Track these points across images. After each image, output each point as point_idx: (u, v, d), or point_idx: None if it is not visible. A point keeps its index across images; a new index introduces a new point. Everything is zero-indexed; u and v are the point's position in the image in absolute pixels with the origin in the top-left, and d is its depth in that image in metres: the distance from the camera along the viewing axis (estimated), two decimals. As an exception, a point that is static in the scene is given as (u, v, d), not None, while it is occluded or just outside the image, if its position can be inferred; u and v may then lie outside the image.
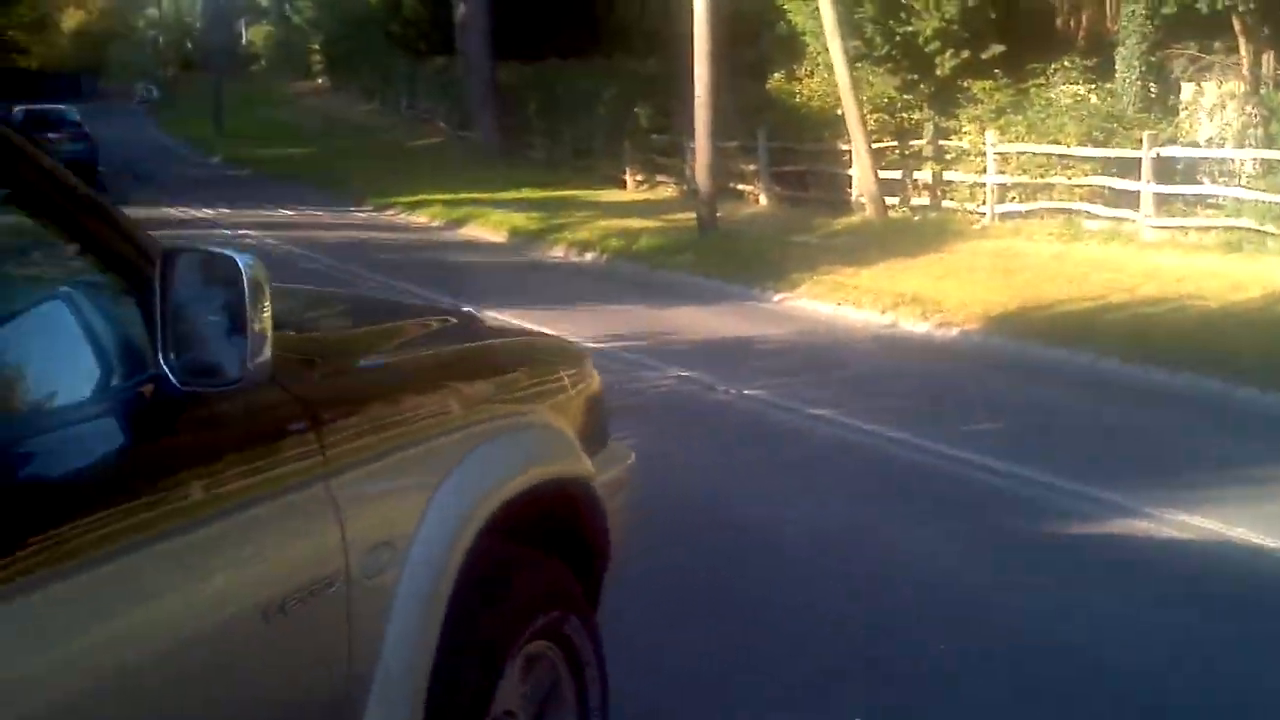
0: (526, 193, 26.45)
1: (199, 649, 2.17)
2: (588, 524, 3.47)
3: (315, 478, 2.45)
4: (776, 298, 15.33)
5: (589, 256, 19.27)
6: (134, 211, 15.40)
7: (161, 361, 2.19)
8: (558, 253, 19.99)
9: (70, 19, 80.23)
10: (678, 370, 10.93)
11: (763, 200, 23.81)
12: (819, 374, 10.99)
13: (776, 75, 24.87)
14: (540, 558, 3.28)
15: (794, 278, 15.70)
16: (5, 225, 2.34)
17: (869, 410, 9.37)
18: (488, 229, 22.49)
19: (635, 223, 21.28)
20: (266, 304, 2.23)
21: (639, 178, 28.31)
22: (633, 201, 25.61)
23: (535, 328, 4.49)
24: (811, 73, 24.34)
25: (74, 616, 1.93)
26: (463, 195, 25.93)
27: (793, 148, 23.46)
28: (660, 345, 12.16)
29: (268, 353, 2.25)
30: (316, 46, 60.85)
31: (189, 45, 76.27)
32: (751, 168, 24.37)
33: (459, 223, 23.47)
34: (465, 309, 4.88)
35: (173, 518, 2.12)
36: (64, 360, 2.21)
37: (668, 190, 27.11)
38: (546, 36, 34.77)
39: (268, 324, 2.24)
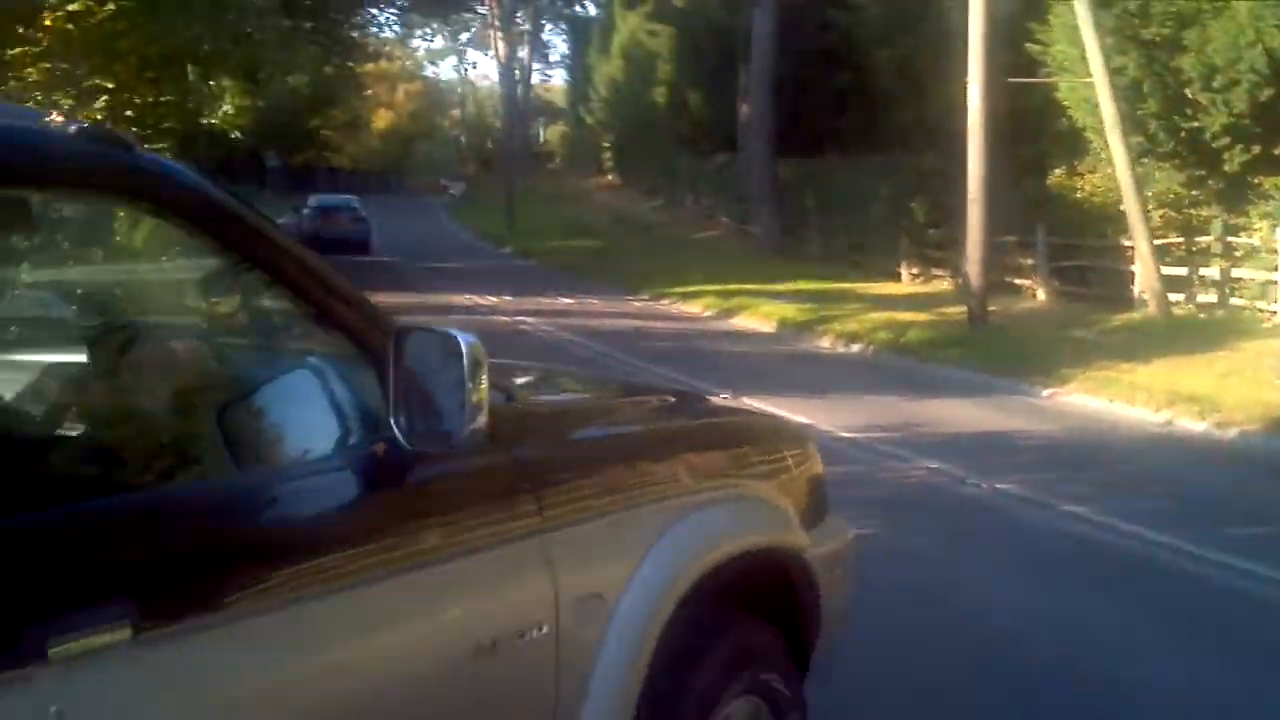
0: (800, 285, 26.54)
1: (417, 677, 2.49)
2: (800, 592, 3.66)
3: (531, 532, 2.74)
4: (1045, 393, 14.89)
5: (855, 348, 19.16)
6: (423, 298, 16.29)
7: (392, 424, 2.47)
8: (825, 343, 19.94)
9: (380, 120, 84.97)
10: (929, 462, 10.71)
11: (1040, 295, 23.26)
12: (1079, 470, 10.59)
13: (1057, 171, 24.38)
14: (748, 619, 3.49)
15: (1065, 373, 15.23)
16: (268, 306, 2.79)
17: (1128, 510, 8.93)
18: (757, 319, 22.64)
19: (905, 316, 21.07)
20: (484, 377, 2.51)
21: (914, 271, 28.07)
22: (906, 295, 25.39)
23: (768, 409, 4.50)
24: (1094, 168, 23.75)
25: (323, 635, 2.30)
26: (736, 286, 26.23)
27: (1073, 243, 22.86)
28: (915, 437, 11.95)
29: (483, 420, 2.52)
30: (607, 145, 62.64)
31: (489, 144, 79.67)
32: (1030, 262, 23.86)
33: (730, 313, 23.72)
34: (692, 391, 4.97)
35: (396, 561, 2.43)
36: (310, 420, 2.54)
37: (943, 284, 26.79)
38: (826, 133, 35.01)
39: (484, 395, 2.52)
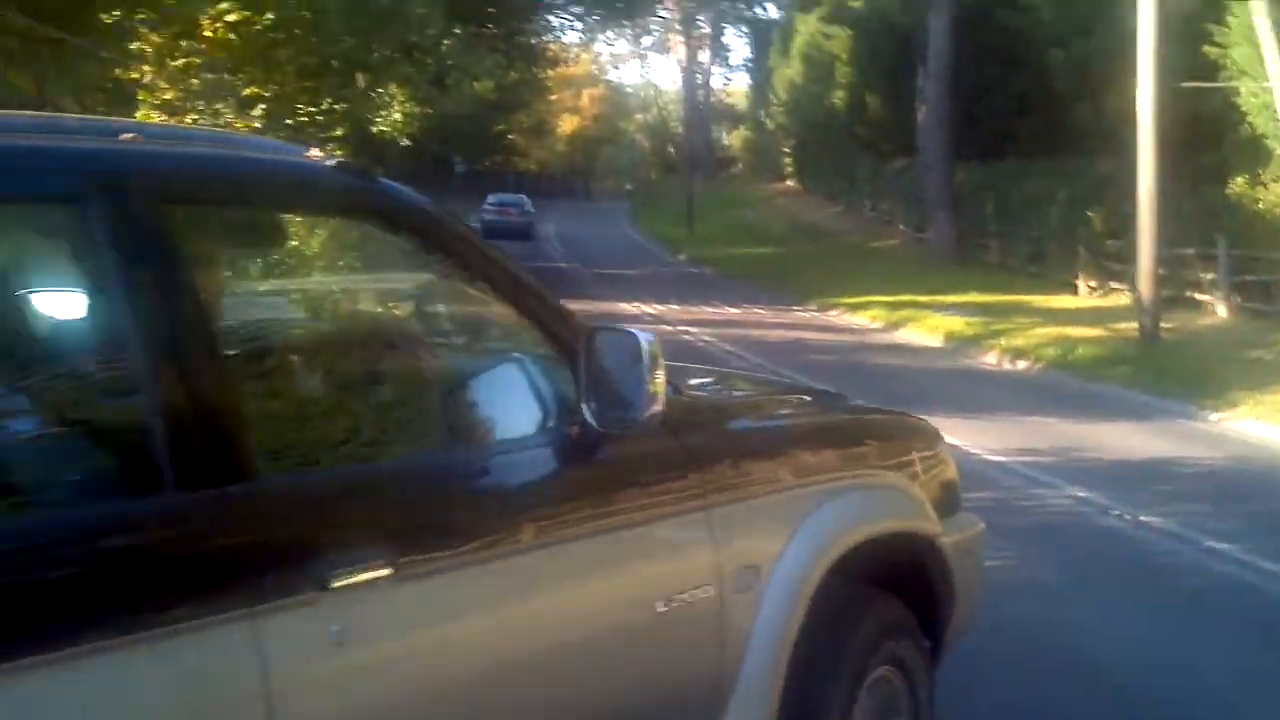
0: (972, 296, 25.93)
1: (606, 628, 3.02)
2: (933, 575, 4.10)
3: (697, 507, 3.22)
4: (1213, 417, 14.23)
5: (1021, 365, 18.59)
6: (592, 304, 16.33)
7: (584, 410, 2.98)
8: (990, 360, 19.41)
9: (566, 124, 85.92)
10: (1075, 490, 10.28)
11: (1221, 311, 22.24)
12: (1233, 504, 10.06)
13: (1239, 179, 23.23)
14: (885, 596, 3.94)
15: (1235, 396, 14.54)
16: (481, 314, 3.46)
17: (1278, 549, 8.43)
18: (923, 332, 22.17)
19: (1076, 331, 20.38)
20: (660, 372, 2.98)
21: (1091, 284, 27.15)
22: (1080, 309, 24.60)
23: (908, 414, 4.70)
24: (1278, 177, 22.62)
25: (528, 585, 2.82)
26: (906, 298, 25.75)
27: (1257, 256, 21.78)
28: (1065, 462, 11.50)
29: (659, 408, 2.98)
30: (787, 149, 62.23)
31: (670, 149, 79.93)
32: (1210, 276, 22.83)
33: (896, 325, 23.28)
34: (835, 392, 5.30)
35: (586, 524, 2.96)
36: (515, 407, 3.07)
37: (1121, 298, 25.82)
38: (1005, 137, 34.14)
39: (661, 387, 2.99)
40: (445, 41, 46.07)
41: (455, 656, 2.69)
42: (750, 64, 76.81)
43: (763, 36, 69.04)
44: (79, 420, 2.58)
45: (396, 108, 22.65)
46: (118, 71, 13.39)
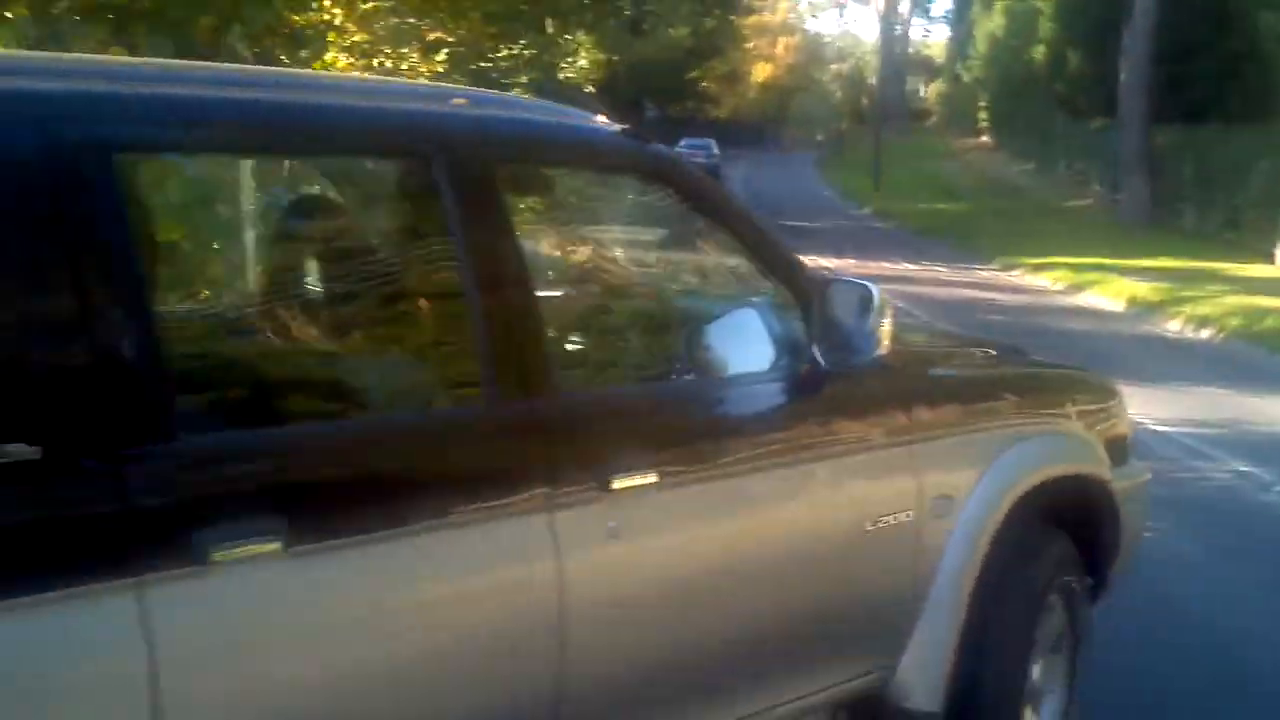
0: (1163, 261, 25.21)
1: (826, 540, 3.53)
2: (1102, 516, 4.52)
3: (904, 441, 3.69)
4: (1402, 395, 13.67)
5: (1205, 333, 18.07)
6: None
7: (815, 350, 3.46)
8: (1173, 326, 18.90)
9: (759, 73, 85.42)
10: (1238, 463, 10.07)
11: None
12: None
13: None
14: (1059, 531, 4.34)
15: None
16: (733, 266, 3.93)
17: None
18: (1107, 296, 21.66)
19: (1267, 301, 19.68)
20: (886, 319, 3.48)
21: (1291, 253, 26.16)
22: (1275, 279, 23.68)
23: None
24: None
25: (762, 500, 3.35)
26: (1093, 260, 25.14)
27: None
28: (1232, 434, 11.24)
29: (881, 350, 3.51)
30: (983, 104, 60.95)
31: (864, 100, 78.95)
32: None
33: (1079, 288, 22.77)
34: (1018, 346, 5.56)
35: (813, 449, 3.45)
36: (754, 345, 3.42)
37: (1321, 269, 24.89)
38: (1210, 100, 32.95)
39: (884, 332, 3.50)
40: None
41: (705, 555, 3.19)
42: (951, 16, 75.22)
43: (966, -12, 67.54)
44: (430, 342, 3.22)
45: (584, 54, 22.95)
46: (309, 14, 13.80)
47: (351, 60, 13.45)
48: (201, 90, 2.71)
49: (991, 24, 56.12)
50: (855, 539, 3.57)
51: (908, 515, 3.67)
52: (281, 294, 3.32)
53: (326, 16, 13.31)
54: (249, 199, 3.71)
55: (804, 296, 3.50)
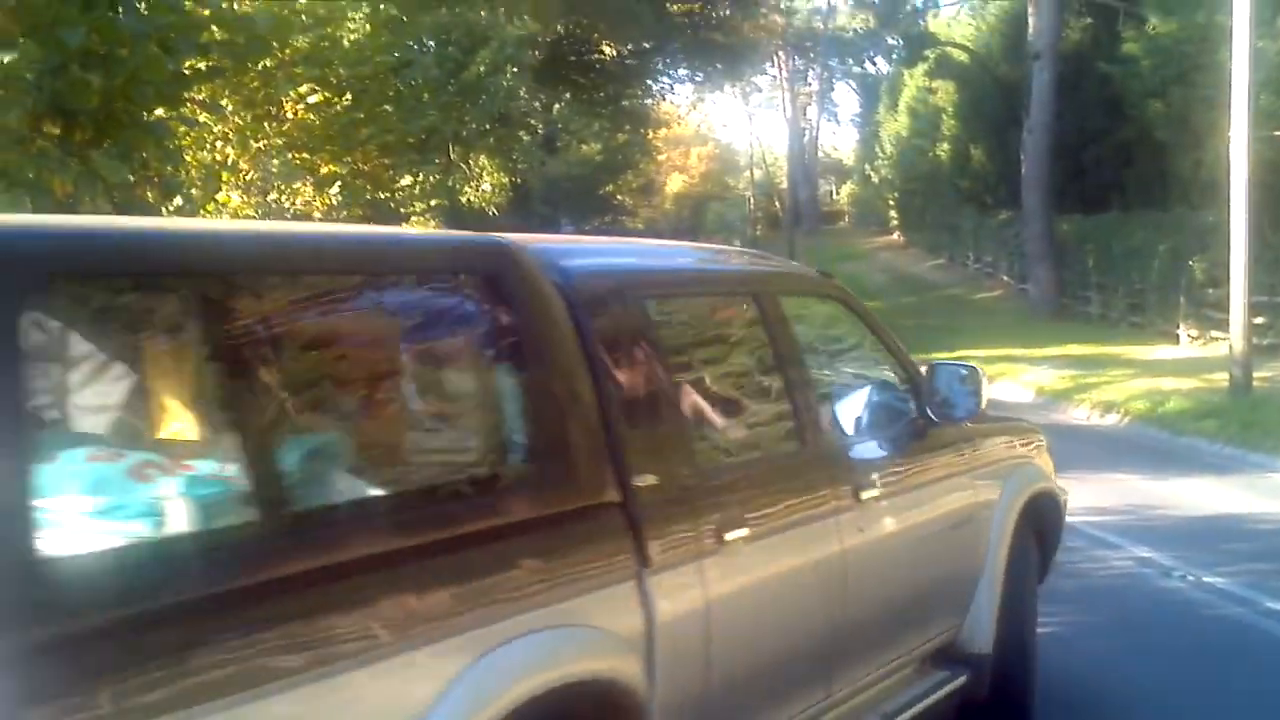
0: (1070, 349, 25.62)
1: (944, 535, 5.35)
2: (1058, 519, 6.61)
3: (965, 469, 5.54)
4: (1299, 471, 13.92)
5: (1110, 419, 18.36)
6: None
7: (928, 410, 5.35)
8: (1079, 414, 19.19)
9: (673, 183, 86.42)
10: (1141, 550, 10.17)
11: (1324, 360, 21.72)
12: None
13: (1346, 224, 22.73)
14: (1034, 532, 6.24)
15: (1327, 450, 14.21)
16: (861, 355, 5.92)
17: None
18: (1016, 386, 21.97)
19: (1170, 383, 20.05)
20: (982, 390, 5.40)
21: (1192, 333, 26.68)
22: (1178, 360, 24.13)
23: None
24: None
25: (903, 513, 4.99)
26: (1002, 351, 25.52)
27: (1362, 303, 21.28)
28: (1136, 521, 11.37)
29: (976, 411, 5.45)
30: (892, 203, 62.05)
31: (776, 205, 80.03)
32: (1316, 325, 22.33)
33: (989, 380, 22.98)
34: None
35: (927, 475, 5.27)
36: (885, 411, 5.42)
37: (1223, 347, 25.24)
38: (1108, 188, 33.76)
39: (984, 399, 5.44)
40: (556, 106, 46.90)
41: (895, 544, 4.95)
42: (858, 118, 76.79)
43: (871, 91, 68.96)
44: (775, 413, 4.75)
45: (486, 178, 23.16)
46: (202, 154, 13.86)
47: (245, 198, 13.49)
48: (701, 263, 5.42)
49: (897, 124, 57.31)
50: (950, 532, 5.42)
51: (975, 516, 5.58)
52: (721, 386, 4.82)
53: (220, 157, 13.37)
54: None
55: (916, 376, 5.46)
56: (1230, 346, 18.79)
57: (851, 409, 5.32)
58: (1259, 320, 21.56)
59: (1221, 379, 19.37)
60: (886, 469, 4.97)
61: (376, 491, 3.06)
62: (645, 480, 3.66)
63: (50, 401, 2.97)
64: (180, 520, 2.66)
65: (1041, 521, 6.20)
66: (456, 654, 2.87)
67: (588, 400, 3.56)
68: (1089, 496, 12.29)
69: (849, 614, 4.54)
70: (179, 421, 2.98)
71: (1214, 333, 25.69)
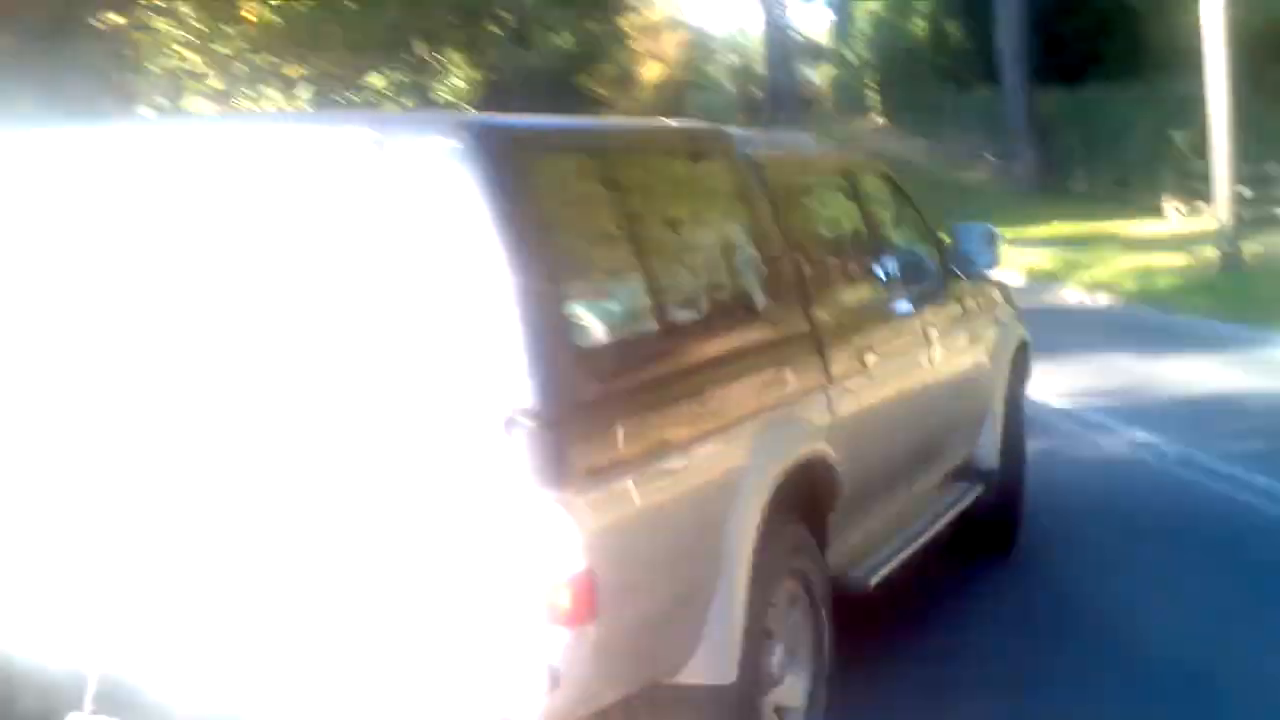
0: (1057, 227, 25.40)
1: (966, 370, 6.48)
2: (1028, 364, 7.67)
3: (979, 313, 6.74)
4: (1292, 344, 13.79)
5: (1102, 299, 18.20)
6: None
7: (951, 265, 6.51)
8: (1071, 295, 18.99)
9: (650, 72, 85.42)
10: (1134, 432, 10.06)
11: (1314, 229, 21.52)
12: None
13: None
14: None
15: (1322, 321, 14.07)
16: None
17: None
18: (1005, 270, 21.66)
19: (1161, 259, 19.90)
20: (999, 245, 6.94)
21: (1179, 207, 26.41)
22: (1167, 235, 23.94)
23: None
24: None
25: (950, 330, 6.25)
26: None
27: (1350, 168, 21.03)
28: (1131, 403, 11.25)
29: (994, 263, 6.98)
30: (872, 84, 61.31)
31: (754, 91, 79.01)
32: (1302, 192, 22.09)
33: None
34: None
35: (959, 316, 6.43)
36: (922, 263, 6.29)
37: (1210, 219, 25.09)
38: (1089, 60, 33.23)
39: (998, 254, 7.00)
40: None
41: (950, 367, 6.18)
42: (833, -2, 75.52)
43: (844, -33, 67.80)
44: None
45: (457, 74, 22.68)
46: (165, 61, 13.48)
47: (212, 105, 13.10)
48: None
49: (870, 2, 56.48)
50: (974, 368, 6.58)
51: (991, 354, 6.77)
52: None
53: (182, 63, 12.97)
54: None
55: (939, 240, 6.66)
56: (1218, 220, 18.55)
57: (906, 267, 6.05)
58: (1246, 192, 21.28)
59: (1210, 253, 19.18)
60: (939, 311, 6.18)
61: (709, 320, 4.35)
62: (821, 316, 4.89)
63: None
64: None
65: (1022, 365, 7.27)
66: (750, 432, 4.15)
67: (787, 254, 4.85)
68: (1085, 380, 12.25)
69: (930, 424, 5.95)
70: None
71: (1201, 205, 25.44)
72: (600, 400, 3.44)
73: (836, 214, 5.89)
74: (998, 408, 6.81)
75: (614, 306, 3.78)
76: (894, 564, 5.32)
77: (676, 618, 3.74)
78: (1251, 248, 18.98)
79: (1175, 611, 6.31)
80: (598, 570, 3.23)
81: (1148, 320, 16.39)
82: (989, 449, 6.74)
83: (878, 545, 5.37)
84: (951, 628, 6.09)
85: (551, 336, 3.33)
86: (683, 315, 4.13)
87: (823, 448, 4.54)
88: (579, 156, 3.92)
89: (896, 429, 5.45)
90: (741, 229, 4.71)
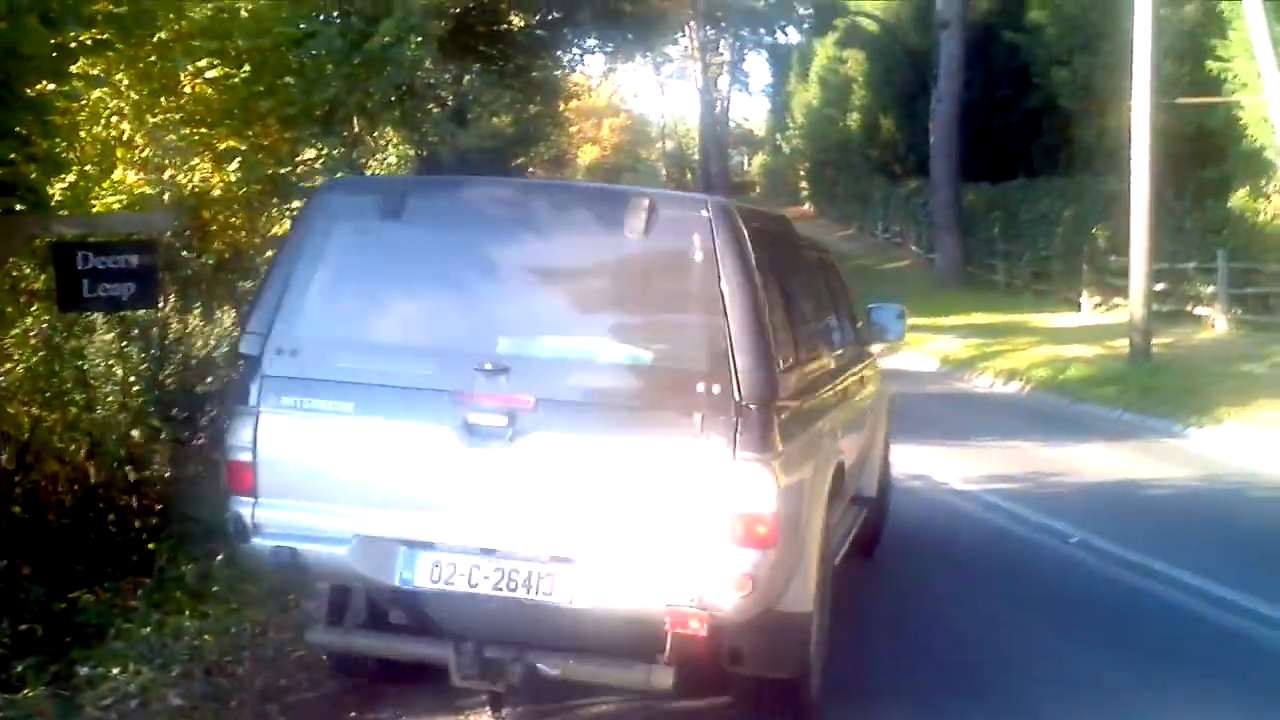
0: (976, 317, 25.95)
1: (875, 404, 8.43)
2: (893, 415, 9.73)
3: (875, 376, 8.63)
4: (1194, 434, 14.21)
5: (1013, 387, 18.64)
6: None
7: (864, 335, 8.34)
8: (983, 382, 19.45)
9: (585, 155, 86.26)
10: (1038, 517, 10.34)
11: (1220, 325, 22.17)
12: (1195, 526, 10.17)
13: (1241, 193, 23.10)
14: None
15: (1219, 412, 14.54)
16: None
17: (1233, 573, 8.45)
18: (922, 355, 22.19)
19: (1072, 350, 20.40)
20: (906, 323, 8.86)
21: (1096, 300, 27.11)
22: (1081, 327, 24.55)
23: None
24: (1280, 189, 22.52)
25: (859, 385, 7.62)
26: (909, 321, 25.67)
27: (1256, 269, 21.72)
28: (1033, 489, 11.56)
29: (902, 335, 8.94)
30: (803, 173, 62.35)
31: (688, 176, 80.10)
32: (1211, 290, 22.75)
33: (894, 350, 23.22)
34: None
35: (860, 371, 7.66)
36: (841, 331, 7.53)
37: (1125, 313, 25.73)
38: (1015, 157, 34.17)
39: (905, 329, 8.90)
40: (465, 78, 46.33)
41: (867, 408, 7.84)
42: (770, 89, 76.86)
43: (782, 61, 69.07)
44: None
45: (392, 151, 22.87)
46: (96, 130, 13.56)
47: (141, 175, 13.21)
48: None
49: (808, 95, 57.56)
50: (878, 414, 8.49)
51: (879, 406, 8.50)
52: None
53: (115, 132, 13.07)
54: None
55: (854, 316, 8.14)
56: (1130, 313, 19.10)
57: (843, 330, 7.59)
58: (1159, 287, 21.98)
59: (1123, 345, 19.70)
60: (864, 367, 7.87)
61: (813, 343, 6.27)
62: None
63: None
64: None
65: (890, 416, 9.30)
66: (853, 429, 7.02)
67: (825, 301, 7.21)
68: (991, 465, 12.55)
69: (858, 449, 7.35)
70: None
71: (1116, 300, 26.11)
72: (783, 396, 5.05)
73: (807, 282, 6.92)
74: (880, 448, 8.73)
75: (781, 328, 5.34)
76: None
77: (793, 558, 5.10)
78: (1162, 340, 19.53)
79: (1061, 686, 6.57)
80: (780, 511, 4.81)
81: (1056, 408, 16.81)
82: (872, 481, 8.33)
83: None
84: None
85: (767, 347, 4.90)
86: (805, 337, 5.97)
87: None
88: (756, 225, 5.34)
89: (854, 451, 7.11)
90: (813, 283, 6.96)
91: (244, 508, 5.05)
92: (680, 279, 4.96)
